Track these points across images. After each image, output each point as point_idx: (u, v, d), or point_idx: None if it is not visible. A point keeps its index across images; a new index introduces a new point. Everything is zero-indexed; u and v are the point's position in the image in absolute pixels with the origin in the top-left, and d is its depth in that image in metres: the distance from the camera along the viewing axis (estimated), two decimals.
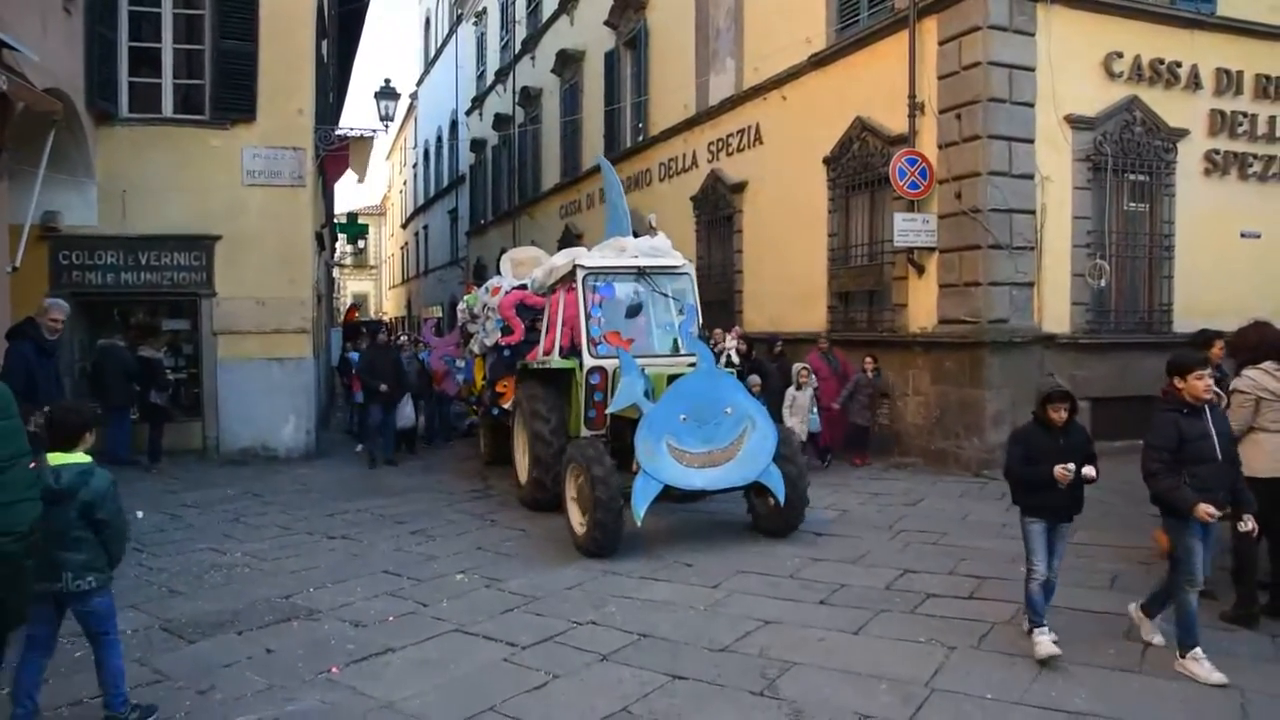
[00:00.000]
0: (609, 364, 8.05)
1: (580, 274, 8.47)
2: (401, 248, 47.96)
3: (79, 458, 4.10)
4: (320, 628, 5.62)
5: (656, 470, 6.92)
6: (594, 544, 6.99)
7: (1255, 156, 11.94)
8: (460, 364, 13.24)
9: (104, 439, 11.10)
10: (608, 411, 7.78)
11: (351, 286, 53.71)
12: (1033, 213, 10.61)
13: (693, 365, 7.69)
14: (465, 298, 13.05)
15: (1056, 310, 10.84)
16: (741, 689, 4.52)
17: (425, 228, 40.72)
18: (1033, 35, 10.49)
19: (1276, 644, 5.03)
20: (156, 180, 11.98)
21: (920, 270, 11.22)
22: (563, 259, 9.02)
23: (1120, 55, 10.98)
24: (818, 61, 12.97)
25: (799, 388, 10.68)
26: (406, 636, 5.39)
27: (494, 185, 29.52)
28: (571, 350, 8.80)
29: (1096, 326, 11.12)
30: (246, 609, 5.96)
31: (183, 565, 7.10)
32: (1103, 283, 10.95)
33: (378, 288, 58.07)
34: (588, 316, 8.33)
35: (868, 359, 11.28)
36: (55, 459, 4.02)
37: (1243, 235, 11.84)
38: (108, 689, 4.17)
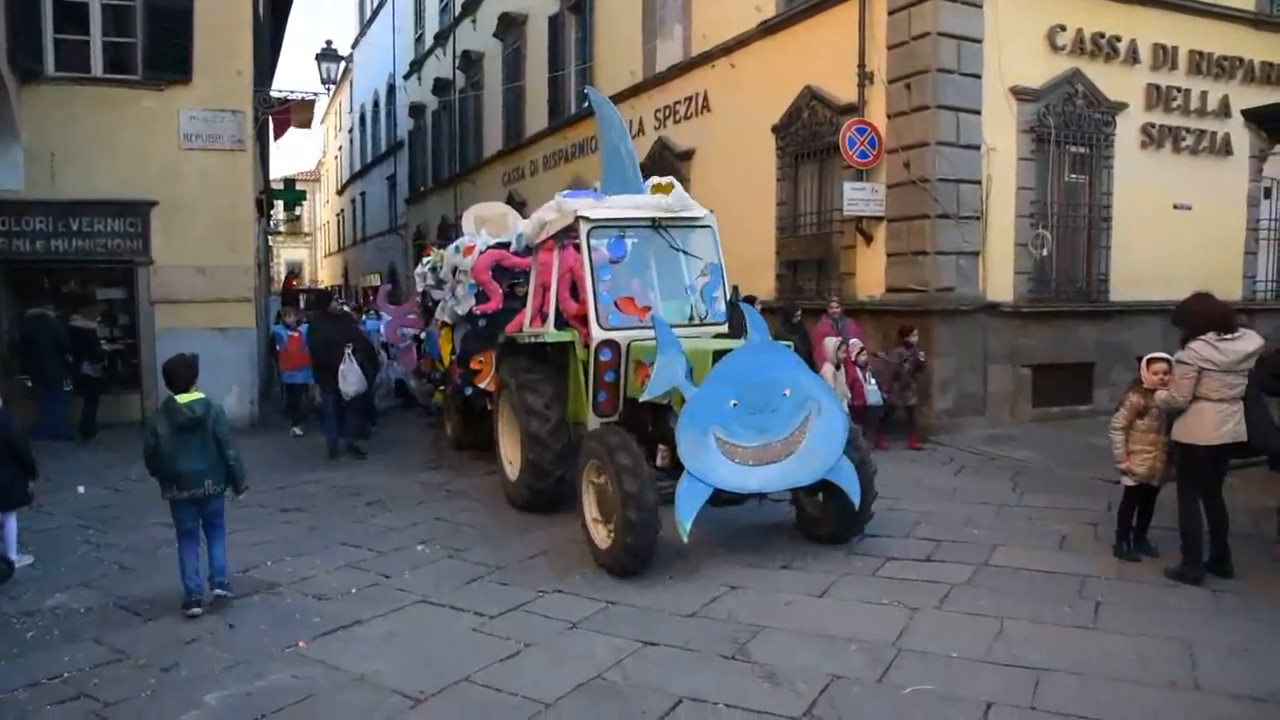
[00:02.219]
0: (622, 337, 6.82)
1: (584, 228, 6.93)
2: (337, 215, 46.85)
3: (197, 394, 5.46)
4: (282, 602, 5.54)
5: (703, 470, 5.56)
6: (624, 560, 5.65)
7: (1188, 130, 12.31)
8: (416, 335, 11.96)
9: (36, 413, 10.77)
10: (643, 397, 6.13)
11: (285, 254, 52.36)
12: (978, 183, 10.80)
13: (722, 336, 6.82)
14: (426, 260, 11.42)
15: (1000, 279, 11.09)
16: (714, 653, 4.59)
17: (362, 194, 39.82)
18: (980, 7, 10.61)
19: (1218, 598, 5.28)
20: (87, 143, 11.50)
21: (869, 239, 11.37)
22: (555, 211, 7.43)
23: (1064, 29, 11.18)
24: (767, 29, 12.95)
25: (838, 366, 9.37)
26: (372, 609, 5.34)
27: (434, 152, 28.98)
28: (566, 319, 7.56)
29: (1038, 295, 11.41)
30: (204, 585, 5.82)
31: (133, 541, 6.91)
32: (1044, 252, 11.24)
33: (312, 255, 56.72)
34: (595, 279, 6.91)
35: (912, 331, 10.12)
36: (183, 398, 5.39)
37: (1175, 207, 12.22)
38: (214, 567, 5.50)
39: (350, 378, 9.93)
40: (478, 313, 9.19)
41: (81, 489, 8.54)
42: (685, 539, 5.47)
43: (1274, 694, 4.03)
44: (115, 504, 8.21)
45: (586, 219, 6.96)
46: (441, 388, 11.07)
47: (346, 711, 4.05)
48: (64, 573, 6.12)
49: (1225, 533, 5.66)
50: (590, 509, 6.14)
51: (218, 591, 5.42)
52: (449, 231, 29.65)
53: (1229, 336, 5.49)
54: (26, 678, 4.41)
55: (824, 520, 6.38)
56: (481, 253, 9.26)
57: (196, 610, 5.24)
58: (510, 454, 7.96)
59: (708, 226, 7.47)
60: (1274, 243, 13.41)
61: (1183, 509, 5.64)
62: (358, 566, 6.23)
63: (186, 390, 5.45)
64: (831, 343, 9.48)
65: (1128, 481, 5.99)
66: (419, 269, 11.42)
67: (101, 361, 11.58)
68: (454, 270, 9.80)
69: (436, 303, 10.54)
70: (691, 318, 7.29)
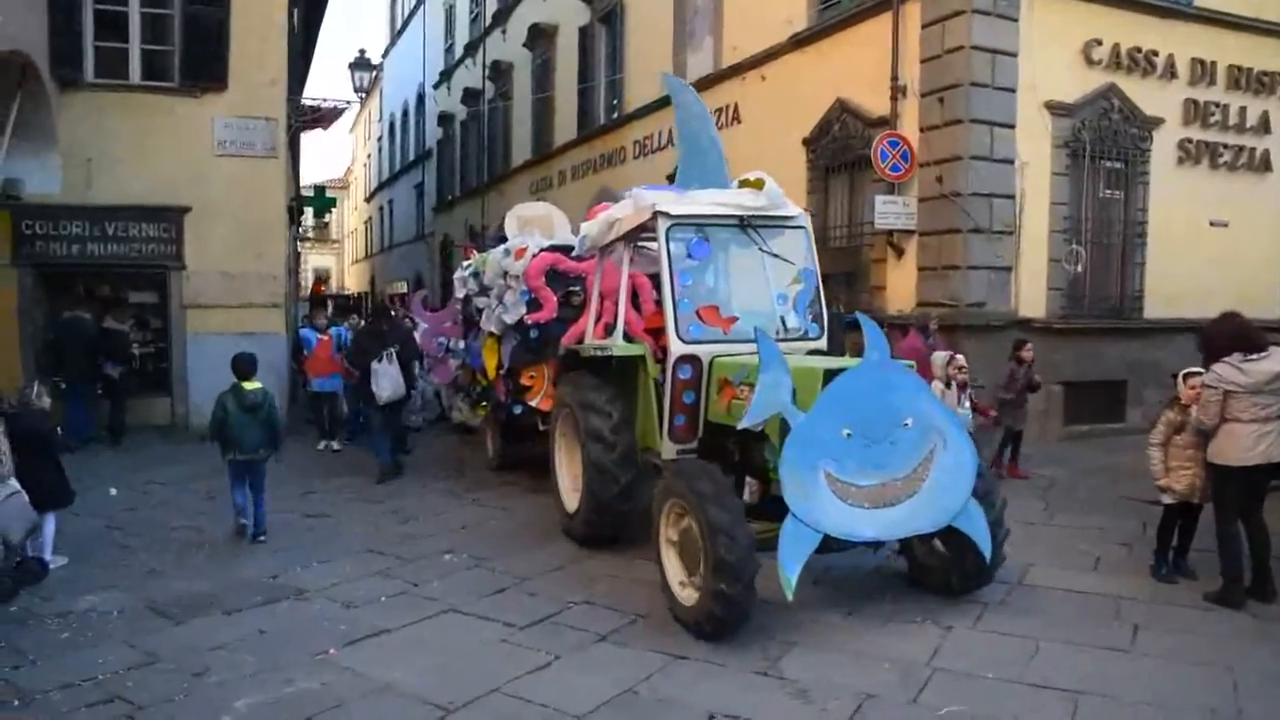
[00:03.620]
0: (704, 352, 6.03)
1: (663, 225, 6.09)
2: (365, 222, 47.23)
3: (257, 384, 7.03)
4: (310, 608, 5.54)
5: (812, 514, 4.69)
6: (714, 621, 4.77)
7: (1225, 146, 12.15)
8: (455, 345, 10.94)
9: (64, 415, 10.87)
10: (743, 424, 5.09)
11: (313, 261, 52.83)
12: (1012, 198, 10.70)
13: (817, 353, 6.14)
14: (467, 263, 10.46)
15: (1033, 295, 10.97)
16: (745, 669, 4.53)
17: (390, 202, 40.11)
18: (1016, 20, 10.54)
19: (1259, 623, 5.16)
20: (123, 149, 11.67)
21: (899, 253, 11.28)
22: (627, 207, 6.59)
23: (1099, 43, 11.08)
24: (798, 42, 12.92)
25: (948, 384, 8.15)
26: (400, 617, 5.33)
27: (462, 161, 29.14)
28: (627, 332, 6.92)
29: (1070, 312, 11.27)
30: (232, 589, 5.85)
31: (161, 544, 6.96)
32: (1078, 268, 11.13)
33: (339, 262, 57.17)
34: (674, 284, 6.06)
35: (1025, 345, 9.18)
36: (247, 386, 6.95)
37: (1211, 224, 12.06)
38: (257, 522, 7.06)
39: (384, 381, 9.05)
40: (529, 322, 8.37)
41: (114, 491, 8.61)
42: (790, 596, 4.59)
43: None
44: (143, 506, 8.28)
45: (666, 215, 6.11)
46: (483, 403, 10.17)
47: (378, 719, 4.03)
48: (95, 574, 6.16)
49: (1267, 555, 5.54)
50: (670, 559, 5.27)
51: (260, 539, 6.99)
52: (475, 236, 29.83)
53: (1254, 357, 5.37)
54: (60, 679, 4.42)
55: (942, 571, 5.53)
56: (534, 256, 8.42)
57: (244, 523, 7.10)
58: (568, 481, 7.15)
59: (801, 227, 6.59)
60: None
61: (1220, 531, 5.52)
62: (385, 574, 6.23)
63: (248, 379, 6.97)
64: (940, 357, 8.41)
65: (1167, 499, 5.88)
66: (459, 273, 10.56)
67: (128, 364, 11.65)
68: (503, 275, 8.84)
69: (480, 310, 9.55)
70: (782, 331, 6.37)
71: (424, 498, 8.71)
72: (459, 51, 29.03)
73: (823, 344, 6.41)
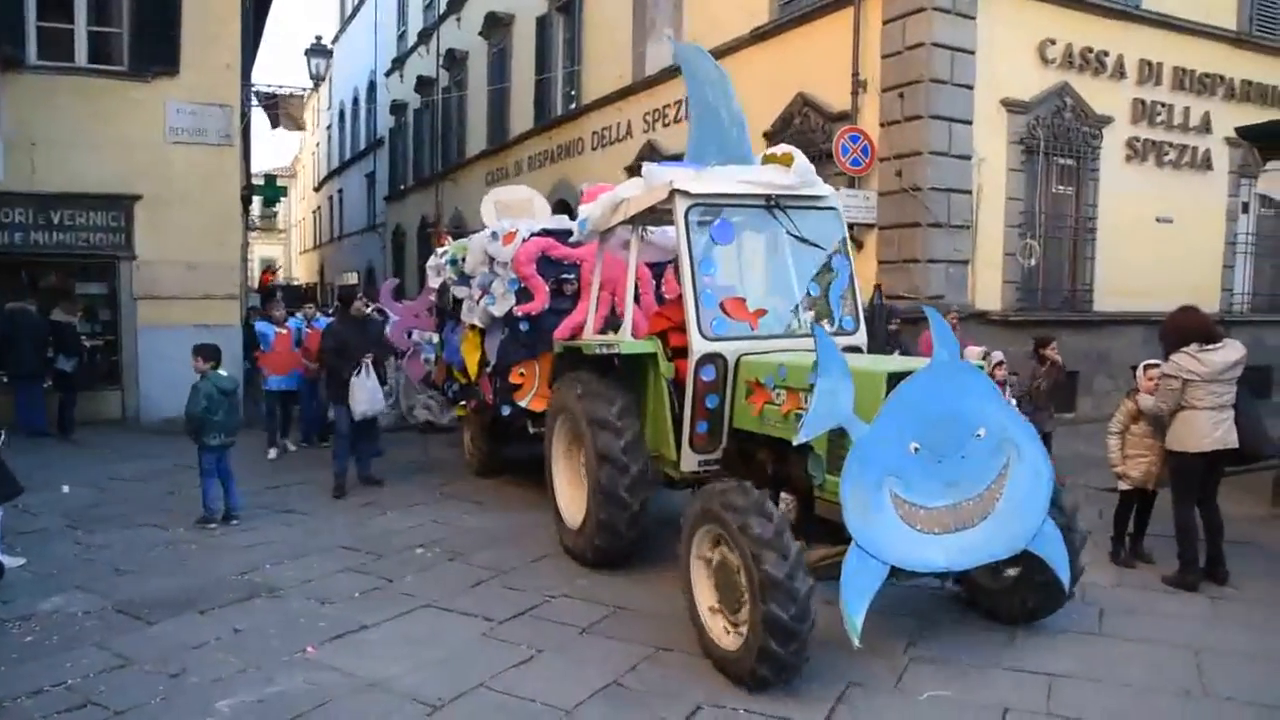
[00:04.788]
0: (729, 349, 5.38)
1: (682, 205, 5.39)
2: (314, 211, 46.38)
3: (224, 372, 7.30)
4: (287, 605, 5.46)
5: (876, 542, 4.02)
6: (758, 680, 4.14)
7: (1171, 145, 12.54)
8: (428, 338, 10.32)
9: (13, 409, 10.56)
10: (799, 439, 4.29)
11: (260, 251, 51.75)
12: (969, 193, 10.92)
13: (853, 350, 5.46)
14: (442, 250, 9.76)
15: (989, 288, 11.22)
16: None
17: (340, 192, 39.44)
18: (974, 19, 10.74)
19: (1216, 605, 5.37)
20: (70, 134, 11.32)
21: (859, 246, 11.42)
22: (636, 186, 5.96)
23: (1054, 42, 11.35)
24: (759, 35, 13.00)
25: None
26: (379, 613, 5.28)
27: (415, 150, 28.78)
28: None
29: (1025, 304, 11.55)
30: (204, 587, 5.74)
31: (125, 542, 6.79)
32: (1033, 262, 11.39)
33: (287, 252, 56.14)
34: (695, 273, 5.39)
35: (1050, 343, 8.38)
36: (222, 372, 7.22)
37: (1158, 220, 12.44)
38: (231, 503, 7.40)
39: (361, 395, 8.31)
40: (519, 314, 7.65)
41: (66, 488, 8.37)
42: (857, 642, 3.96)
43: None
44: (102, 503, 8.06)
45: (685, 194, 5.41)
46: (461, 403, 9.50)
47: (365, 717, 3.99)
48: (57, 575, 5.99)
49: (1220, 539, 5.78)
50: (703, 593, 4.61)
51: (234, 520, 7.33)
52: (402, 238, 29.46)
53: (1210, 348, 5.62)
54: (29, 685, 4.30)
55: (1010, 596, 4.93)
56: (524, 241, 7.70)
57: (213, 525, 7.20)
58: (569, 495, 6.48)
59: (832, 209, 5.86)
60: (1252, 257, 13.67)
61: (1178, 516, 5.74)
62: (358, 570, 6.16)
63: (218, 367, 7.23)
64: (974, 351, 7.75)
65: (1124, 486, 6.10)
66: (433, 261, 9.90)
67: (79, 357, 11.36)
68: (489, 262, 8.07)
69: (458, 301, 8.85)
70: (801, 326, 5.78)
71: (393, 492, 8.61)
72: (412, 39, 28.63)
73: (860, 340, 5.76)
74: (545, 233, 7.88)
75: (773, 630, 3.98)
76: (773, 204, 5.61)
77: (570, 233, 7.58)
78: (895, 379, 4.27)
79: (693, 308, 5.33)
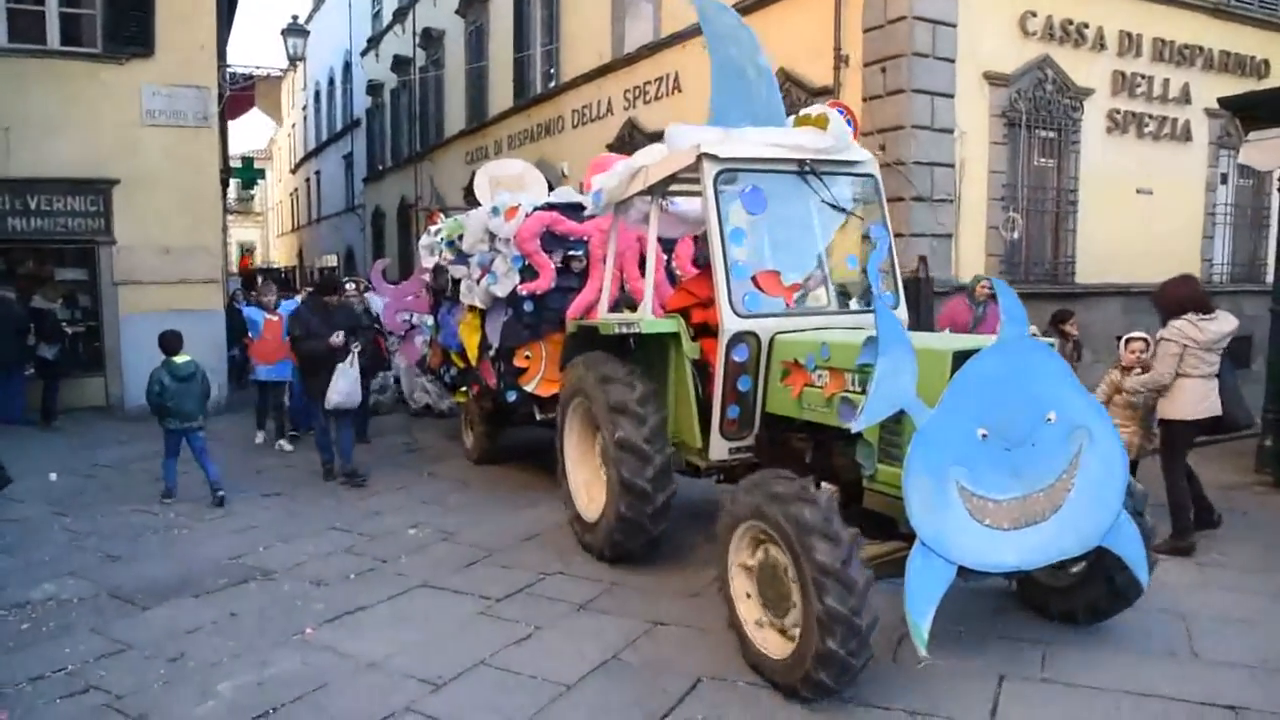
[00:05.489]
0: (763, 327, 4.95)
1: (710, 170, 4.94)
2: (291, 194, 45.87)
3: (188, 356, 7.41)
4: (280, 588, 5.47)
5: (944, 540, 3.65)
6: (817, 687, 3.79)
7: (1151, 117, 12.58)
8: (422, 320, 9.91)
9: None
10: (856, 426, 3.90)
11: (237, 235, 51.22)
12: (952, 166, 10.93)
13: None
14: (435, 228, 9.32)
15: (972, 261, 11.25)
16: (724, 632, 4.58)
17: (317, 173, 39.01)
18: None
19: (1204, 572, 5.47)
20: (44, 118, 11.14)
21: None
22: (657, 152, 5.56)
23: (1034, 14, 11.33)
24: (740, 10, 12.90)
25: None
26: (374, 594, 5.30)
27: (393, 130, 28.48)
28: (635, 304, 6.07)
29: (1008, 277, 11.58)
30: (196, 571, 5.74)
31: (113, 528, 6.76)
32: (1015, 235, 11.43)
33: (264, 235, 55.58)
34: (725, 245, 4.93)
35: (1070, 318, 8.17)
36: (179, 359, 7.33)
37: (1138, 192, 12.50)
38: (212, 481, 7.48)
39: (342, 384, 7.88)
40: (524, 293, 7.23)
41: (54, 476, 8.31)
42: (923, 650, 3.58)
43: (1265, 661, 4.20)
44: (89, 490, 8.02)
45: (714, 158, 4.96)
46: (461, 389, 9.10)
47: (365, 697, 4.01)
48: (47, 562, 5.97)
49: (1201, 488, 6.01)
50: (747, 605, 4.26)
51: (220, 494, 7.43)
52: (381, 220, 29.22)
53: (1207, 317, 5.71)
54: (28, 671, 4.29)
55: (1072, 595, 4.57)
56: (528, 216, 7.29)
57: (169, 500, 7.47)
58: (584, 486, 6.13)
59: (870, 175, 5.46)
60: (1230, 227, 13.79)
61: (1170, 483, 5.84)
62: (351, 551, 6.17)
63: (178, 354, 7.37)
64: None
65: None
66: (425, 240, 9.47)
67: (61, 343, 11.25)
68: (490, 239, 7.62)
69: (455, 281, 8.45)
70: (846, 301, 5.44)
71: (382, 471, 8.59)
72: (387, 18, 28.26)
73: (901, 315, 5.27)
74: (549, 206, 7.48)
75: (829, 628, 3.60)
76: (806, 169, 5.15)
77: (576, 206, 7.37)
78: (961, 358, 3.85)
79: (723, 283, 4.88)
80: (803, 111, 5.54)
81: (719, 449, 5.15)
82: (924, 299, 5.27)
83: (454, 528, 6.69)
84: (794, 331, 4.94)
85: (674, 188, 5.83)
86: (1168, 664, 4.21)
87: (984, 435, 3.71)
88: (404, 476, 8.49)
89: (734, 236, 5.02)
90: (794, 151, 5.12)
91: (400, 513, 7.16)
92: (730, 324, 4.85)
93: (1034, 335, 4.27)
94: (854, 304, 5.48)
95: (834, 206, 5.24)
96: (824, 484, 4.55)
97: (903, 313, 5.37)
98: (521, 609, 5.04)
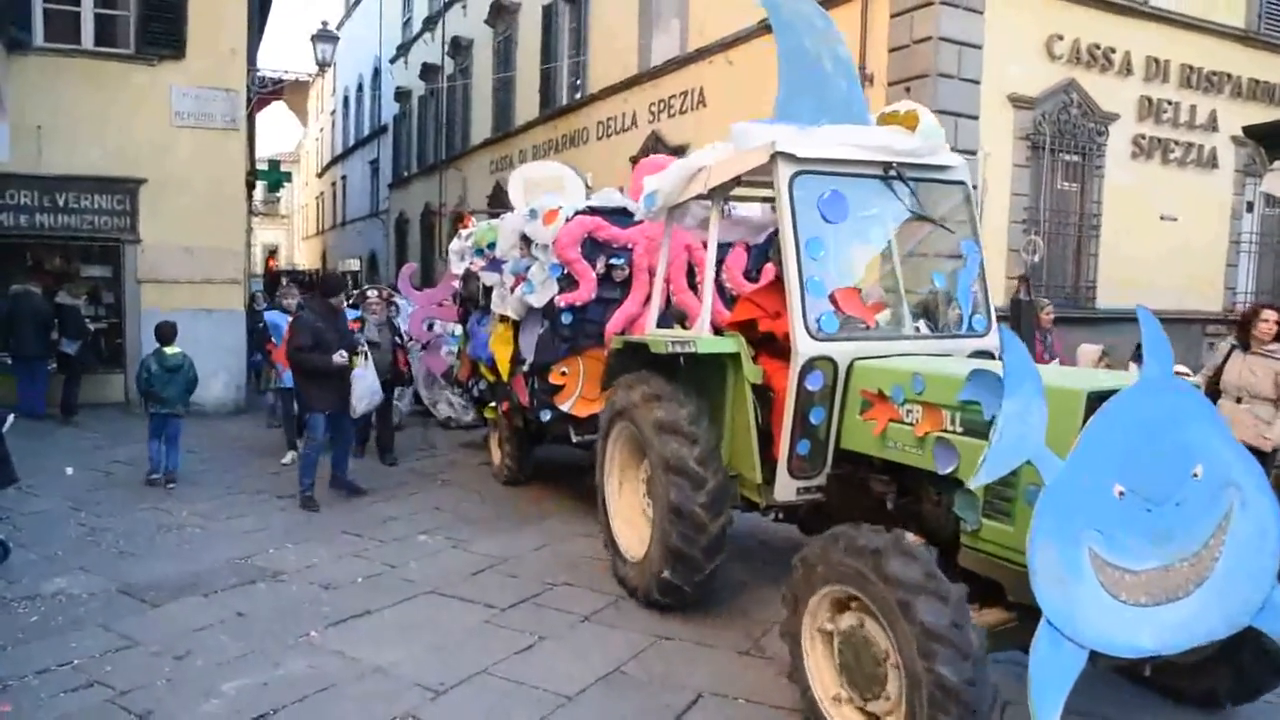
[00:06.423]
0: (842, 352, 4.32)
1: (786, 172, 4.37)
2: (317, 198, 46.35)
3: (176, 349, 7.89)
4: (289, 590, 5.49)
5: (1074, 620, 2.96)
6: None
7: (1176, 143, 12.50)
8: (450, 330, 9.67)
9: (16, 391, 10.59)
10: (975, 482, 3.14)
11: (262, 236, 51.70)
12: (975, 188, 10.88)
13: (983, 354, 4.53)
14: (466, 232, 8.92)
15: (992, 284, 11.07)
16: (729, 648, 4.62)
17: (344, 178, 39.42)
18: (982, 13, 10.69)
19: None
20: (76, 117, 11.32)
21: None
22: (721, 151, 5.01)
23: (1061, 38, 11.31)
24: (768, 26, 12.91)
25: None
26: (381, 599, 5.31)
27: (419, 137, 28.74)
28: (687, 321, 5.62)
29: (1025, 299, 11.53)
30: (207, 571, 5.77)
31: (128, 525, 6.81)
32: (1036, 258, 11.34)
33: (289, 238, 56.08)
34: (800, 256, 4.33)
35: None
36: (169, 350, 7.82)
37: (1162, 218, 12.41)
38: (170, 466, 8.06)
39: (361, 388, 7.52)
40: (563, 305, 6.68)
41: (70, 470, 8.41)
42: None
43: None
44: (105, 486, 8.10)
45: (791, 157, 4.37)
46: (490, 405, 8.58)
47: (368, 702, 4.02)
48: (61, 557, 6.02)
49: None
50: (824, 676, 3.70)
51: (170, 485, 7.97)
52: (405, 226, 29.41)
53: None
54: (35, 664, 4.33)
55: (1202, 675, 3.87)
56: (568, 221, 6.69)
57: (155, 476, 7.99)
58: (627, 519, 5.55)
59: (960, 182, 4.87)
60: (1254, 255, 13.66)
61: None
62: (361, 556, 6.19)
63: (170, 345, 7.88)
64: (1090, 351, 6.47)
65: None
66: (455, 244, 9.07)
67: (83, 339, 11.38)
68: (525, 245, 7.06)
69: (487, 290, 8.01)
70: (935, 325, 4.79)
71: (394, 478, 8.63)
72: (417, 26, 28.56)
73: (991, 342, 4.69)
74: (591, 210, 6.87)
75: (940, 702, 3.02)
76: (892, 173, 4.55)
77: (621, 211, 6.84)
78: (1096, 399, 3.21)
79: (798, 300, 4.27)
80: (889, 108, 5.01)
81: (785, 489, 4.51)
82: (1026, 325, 4.81)
83: (465, 536, 6.70)
84: (877, 358, 4.32)
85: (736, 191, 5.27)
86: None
87: (1121, 493, 3.06)
88: (417, 483, 8.51)
89: (811, 247, 4.36)
90: (878, 153, 4.55)
91: (412, 519, 7.18)
92: (805, 348, 4.24)
93: (1181, 374, 3.80)
94: (937, 327, 4.82)
95: (921, 216, 4.66)
96: (910, 535, 3.66)
97: (993, 338, 4.73)
98: (527, 619, 5.04)
